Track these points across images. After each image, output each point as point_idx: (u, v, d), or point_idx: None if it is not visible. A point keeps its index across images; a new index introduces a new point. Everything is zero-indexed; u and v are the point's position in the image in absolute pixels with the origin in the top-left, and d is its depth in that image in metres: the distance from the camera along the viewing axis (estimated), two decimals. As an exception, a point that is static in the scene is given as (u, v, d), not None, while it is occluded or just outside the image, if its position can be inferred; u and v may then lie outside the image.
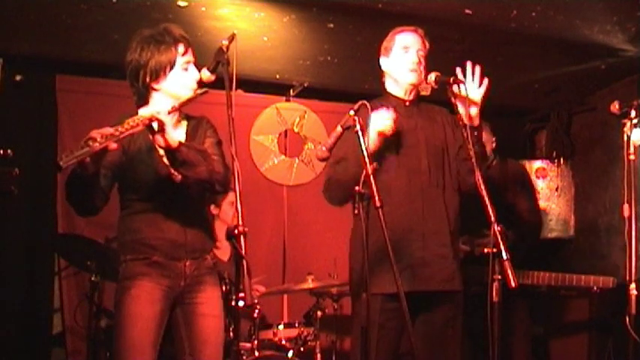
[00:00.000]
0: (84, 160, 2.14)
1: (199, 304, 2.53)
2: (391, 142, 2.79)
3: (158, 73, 2.44)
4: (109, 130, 2.18)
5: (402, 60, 2.87)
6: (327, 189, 2.88)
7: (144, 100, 2.48)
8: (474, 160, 2.51)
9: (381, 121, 2.66)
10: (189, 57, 2.50)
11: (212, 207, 4.23)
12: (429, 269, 2.76)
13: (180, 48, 2.47)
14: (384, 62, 2.95)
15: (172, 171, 2.40)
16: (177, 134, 2.45)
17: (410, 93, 2.92)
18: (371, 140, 2.64)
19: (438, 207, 2.84)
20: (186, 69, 2.48)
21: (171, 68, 2.45)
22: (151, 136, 2.29)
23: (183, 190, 2.44)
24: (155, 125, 2.25)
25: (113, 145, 2.18)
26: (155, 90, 2.47)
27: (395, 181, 2.77)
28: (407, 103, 2.92)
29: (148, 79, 2.44)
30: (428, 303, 2.78)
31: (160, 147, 2.30)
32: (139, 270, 2.45)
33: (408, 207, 2.78)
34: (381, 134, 2.67)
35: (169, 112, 2.33)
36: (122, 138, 2.22)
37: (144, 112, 2.30)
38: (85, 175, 2.24)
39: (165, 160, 2.40)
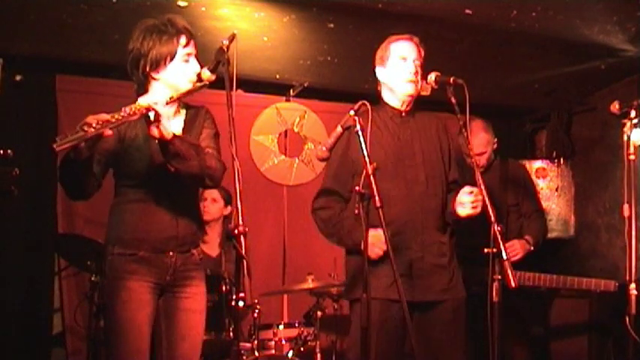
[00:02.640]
0: (78, 144, 2.15)
1: (184, 298, 2.54)
2: (389, 153, 2.81)
3: (158, 63, 2.45)
4: (105, 116, 2.18)
5: (399, 70, 2.85)
6: (315, 217, 2.99)
7: (143, 89, 2.49)
8: (474, 160, 2.51)
9: (377, 245, 2.66)
10: (191, 49, 2.50)
11: None
12: (427, 280, 2.77)
13: (182, 39, 2.48)
14: (380, 72, 2.93)
15: None
16: (174, 124, 2.47)
17: (407, 104, 2.91)
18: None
19: (436, 217, 2.84)
20: (187, 61, 2.49)
21: (172, 59, 2.46)
22: (147, 126, 2.29)
23: (177, 178, 2.43)
24: (151, 115, 2.25)
25: (108, 132, 2.18)
26: (154, 79, 2.48)
27: (393, 191, 2.77)
28: (403, 114, 2.92)
29: (147, 69, 2.45)
30: (426, 308, 2.77)
31: (154, 138, 2.30)
32: (125, 268, 2.45)
33: (406, 217, 2.78)
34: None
35: (167, 103, 2.34)
36: (117, 125, 2.22)
37: (142, 101, 2.31)
38: (78, 159, 2.24)
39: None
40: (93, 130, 2.13)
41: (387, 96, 2.94)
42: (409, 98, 2.88)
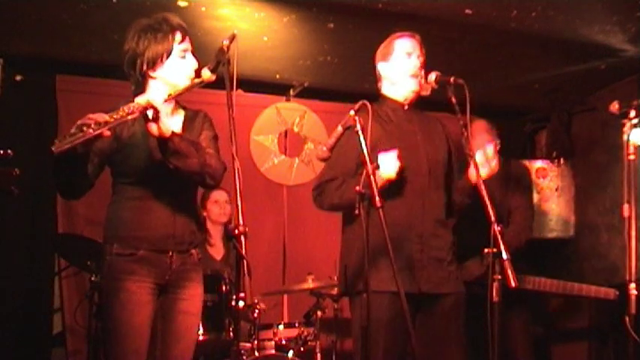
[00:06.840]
0: (77, 145, 2.14)
1: (181, 299, 2.53)
2: (392, 144, 2.79)
3: (155, 61, 2.45)
4: (104, 116, 2.18)
5: (404, 66, 2.86)
6: (319, 200, 2.90)
7: (141, 89, 2.49)
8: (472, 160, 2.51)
9: (389, 165, 2.66)
10: (187, 45, 2.50)
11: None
12: (425, 271, 2.76)
13: (178, 36, 2.48)
14: (382, 67, 2.93)
15: None
16: (173, 122, 2.45)
17: (409, 100, 2.91)
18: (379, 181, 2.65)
19: (437, 209, 2.84)
20: (183, 57, 2.49)
21: (168, 56, 2.46)
22: (145, 124, 2.29)
23: (176, 176, 2.42)
24: (150, 113, 2.25)
25: (107, 132, 2.18)
26: (152, 78, 2.48)
27: (395, 182, 2.77)
28: (405, 107, 2.92)
29: (144, 68, 2.45)
30: (426, 304, 2.78)
31: (153, 136, 2.29)
32: (124, 268, 2.44)
33: (407, 208, 2.78)
34: (389, 179, 2.67)
35: (165, 101, 2.32)
36: (116, 125, 2.21)
37: (140, 99, 2.30)
38: (73, 156, 2.23)
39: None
40: (92, 130, 2.12)
41: (389, 90, 2.94)
42: (413, 94, 2.88)
